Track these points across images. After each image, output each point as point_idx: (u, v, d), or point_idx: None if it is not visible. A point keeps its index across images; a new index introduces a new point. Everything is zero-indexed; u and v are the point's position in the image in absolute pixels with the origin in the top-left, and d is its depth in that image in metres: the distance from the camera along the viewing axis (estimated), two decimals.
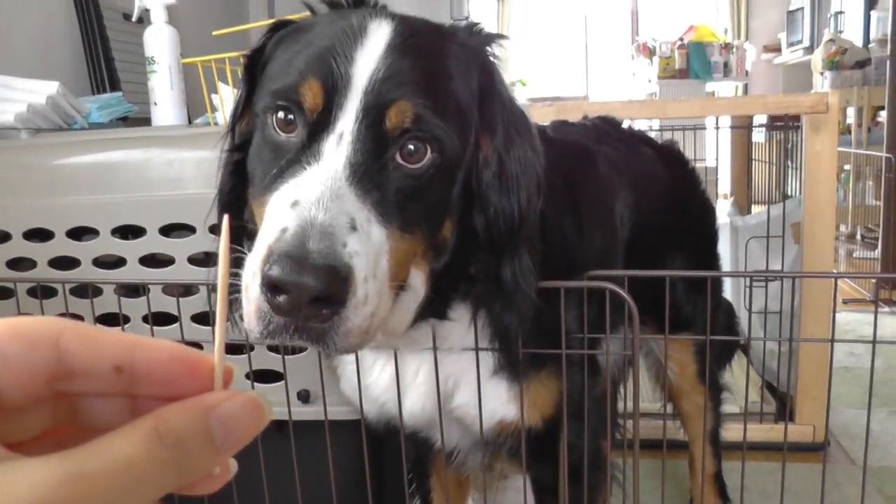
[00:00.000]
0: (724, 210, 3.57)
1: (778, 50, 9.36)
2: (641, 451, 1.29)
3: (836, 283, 1.21)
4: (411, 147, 0.95)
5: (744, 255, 3.07)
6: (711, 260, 1.98)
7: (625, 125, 1.93)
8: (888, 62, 4.69)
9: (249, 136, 1.07)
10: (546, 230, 1.25)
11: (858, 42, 7.24)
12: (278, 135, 0.99)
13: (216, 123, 1.84)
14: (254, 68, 1.11)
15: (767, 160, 3.75)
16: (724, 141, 3.70)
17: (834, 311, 1.35)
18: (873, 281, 4.44)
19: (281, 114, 0.98)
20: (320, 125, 0.95)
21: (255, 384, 1.55)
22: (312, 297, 0.82)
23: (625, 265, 1.58)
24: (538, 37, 10.63)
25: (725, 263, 2.82)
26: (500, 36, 1.14)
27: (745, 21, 9.66)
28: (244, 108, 1.11)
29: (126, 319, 1.63)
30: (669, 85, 8.50)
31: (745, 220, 3.31)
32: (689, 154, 2.12)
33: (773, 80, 9.45)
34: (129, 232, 1.69)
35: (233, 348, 1.47)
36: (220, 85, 1.82)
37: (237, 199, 1.11)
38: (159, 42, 2.09)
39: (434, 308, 1.12)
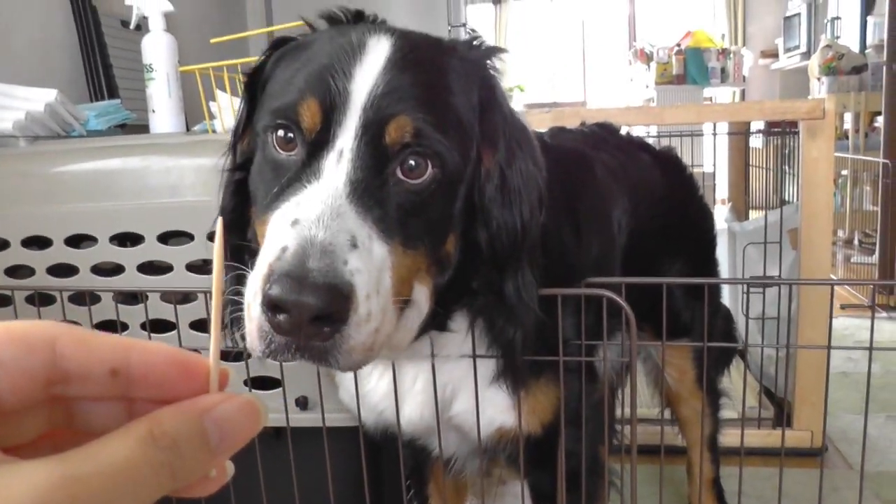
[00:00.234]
0: (721, 216, 3.58)
1: (775, 55, 9.38)
2: (639, 457, 1.29)
3: (832, 290, 1.21)
4: (412, 162, 0.95)
5: (741, 261, 3.08)
6: (710, 266, 1.98)
7: (623, 131, 1.93)
8: (885, 68, 4.70)
9: (251, 155, 1.07)
10: (544, 237, 1.26)
11: (855, 48, 7.26)
12: (279, 153, 0.99)
13: (214, 131, 1.84)
14: (254, 87, 1.11)
15: (764, 166, 3.76)
16: (722, 146, 3.71)
17: (831, 317, 1.35)
18: (871, 286, 4.45)
19: (281, 132, 0.98)
20: (320, 143, 0.95)
21: (254, 390, 1.55)
22: (313, 315, 0.82)
23: (623, 271, 1.58)
24: (536, 42, 10.65)
25: (723, 269, 2.83)
26: (500, 49, 1.14)
27: (742, 26, 9.68)
28: (245, 127, 1.11)
29: (124, 327, 1.63)
30: (667, 90, 8.50)
31: (742, 226, 3.31)
32: (686, 160, 2.12)
33: (770, 86, 9.47)
34: (128, 239, 1.69)
35: (231, 355, 1.47)
36: (219, 93, 1.82)
37: (240, 218, 1.11)
38: (157, 49, 2.09)
39: (436, 321, 1.12)
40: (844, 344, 3.45)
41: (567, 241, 1.38)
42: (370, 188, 0.92)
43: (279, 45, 1.12)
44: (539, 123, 2.45)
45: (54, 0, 2.87)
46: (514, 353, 1.16)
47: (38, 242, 1.73)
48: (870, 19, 7.11)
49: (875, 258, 4.85)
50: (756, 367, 3.07)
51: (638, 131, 2.63)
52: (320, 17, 1.13)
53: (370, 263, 0.88)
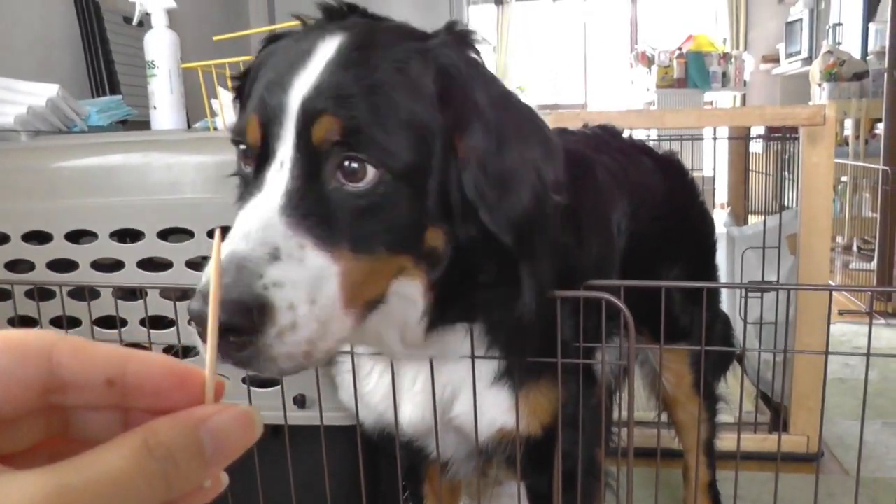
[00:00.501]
0: (720, 220, 3.58)
1: (776, 60, 9.40)
2: (636, 460, 1.29)
3: (830, 296, 1.21)
4: (354, 165, 0.93)
5: (740, 266, 3.08)
6: (709, 271, 1.98)
7: (625, 134, 1.94)
8: (886, 74, 4.71)
9: None
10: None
11: (857, 54, 7.27)
12: (244, 168, 1.02)
13: (216, 128, 1.84)
14: (242, 92, 1.13)
15: (764, 171, 3.76)
16: (722, 151, 3.71)
17: (829, 324, 1.36)
18: (869, 293, 4.45)
19: (242, 147, 1.01)
20: (265, 156, 0.96)
21: (252, 388, 1.55)
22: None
23: (622, 274, 1.58)
24: (537, 44, 10.66)
25: (722, 273, 2.83)
26: (471, 32, 1.10)
27: (743, 31, 9.70)
28: None
29: (123, 322, 1.63)
30: (667, 94, 8.51)
31: (741, 231, 3.32)
32: (686, 163, 2.12)
33: (771, 91, 9.48)
34: (128, 235, 1.70)
35: None
36: (220, 90, 1.83)
37: None
38: (160, 46, 2.10)
39: (460, 313, 1.12)
40: (842, 350, 3.45)
41: (566, 244, 1.38)
42: (307, 196, 0.92)
43: (269, 43, 1.13)
44: None
45: None
46: (518, 349, 1.15)
47: (38, 237, 1.73)
48: (871, 26, 7.12)
49: (874, 265, 4.86)
50: (753, 371, 3.08)
51: (638, 134, 2.63)
52: (318, 6, 1.13)
53: (299, 274, 0.88)
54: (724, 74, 8.71)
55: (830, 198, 2.53)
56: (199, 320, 0.84)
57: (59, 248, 1.70)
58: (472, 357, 1.19)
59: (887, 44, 4.71)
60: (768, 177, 3.66)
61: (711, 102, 9.23)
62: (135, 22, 2.22)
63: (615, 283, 1.29)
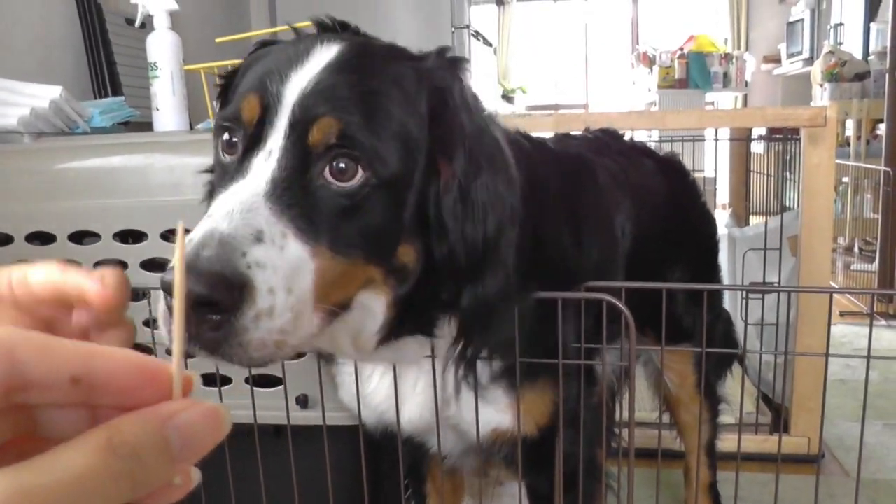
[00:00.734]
0: (721, 221, 3.58)
1: (778, 61, 9.40)
2: (637, 460, 1.30)
3: (831, 298, 1.22)
4: (342, 164, 0.94)
5: (741, 267, 3.09)
6: (711, 272, 1.99)
7: (626, 136, 1.95)
8: (887, 75, 4.71)
9: None
10: (544, 242, 1.27)
11: (858, 54, 7.26)
12: (224, 157, 1.01)
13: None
14: (226, 91, 1.14)
15: (766, 172, 3.77)
16: (723, 152, 3.72)
17: (829, 325, 1.36)
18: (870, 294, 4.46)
19: (226, 135, 1.00)
20: (253, 142, 0.96)
21: (255, 388, 1.56)
22: (194, 301, 0.81)
23: (627, 276, 1.59)
24: (538, 44, 10.66)
25: (723, 274, 2.83)
26: (464, 60, 1.13)
27: (745, 31, 9.70)
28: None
29: None
30: (669, 94, 8.52)
31: (742, 232, 3.32)
32: (687, 164, 2.13)
33: (772, 91, 9.48)
34: (131, 236, 1.70)
35: None
36: None
37: None
38: (162, 48, 2.10)
39: (418, 326, 1.13)
40: (843, 351, 3.46)
41: (567, 247, 1.39)
42: (293, 187, 0.92)
43: (259, 49, 1.14)
44: (541, 127, 2.46)
45: None
46: (472, 366, 1.18)
47: (41, 238, 1.73)
48: (873, 26, 7.11)
49: (875, 266, 4.86)
50: (754, 372, 3.08)
51: (640, 136, 2.64)
52: (312, 22, 1.15)
53: (280, 260, 0.88)
54: (726, 75, 8.72)
55: (831, 199, 2.54)
56: (169, 289, 0.81)
57: (63, 249, 1.71)
58: (433, 357, 1.20)
59: (889, 44, 4.72)
60: (769, 178, 3.66)
61: (713, 103, 9.24)
62: (137, 24, 2.22)
63: (616, 284, 1.30)
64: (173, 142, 1.85)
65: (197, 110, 2.25)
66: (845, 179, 5.72)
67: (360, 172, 0.95)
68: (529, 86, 10.52)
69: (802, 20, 8.68)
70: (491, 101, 6.78)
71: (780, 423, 2.71)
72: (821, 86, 7.05)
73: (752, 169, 3.83)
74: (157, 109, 2.14)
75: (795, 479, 2.34)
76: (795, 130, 2.72)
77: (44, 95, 2.03)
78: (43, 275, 0.54)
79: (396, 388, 1.26)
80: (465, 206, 1.03)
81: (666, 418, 2.03)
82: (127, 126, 2.39)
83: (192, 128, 2.20)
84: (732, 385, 2.61)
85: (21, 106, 1.98)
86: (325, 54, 1.00)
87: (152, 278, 1.68)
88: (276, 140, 0.95)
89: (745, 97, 9.32)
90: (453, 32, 4.24)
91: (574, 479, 1.36)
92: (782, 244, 2.82)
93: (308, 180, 0.94)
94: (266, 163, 0.94)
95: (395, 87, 1.01)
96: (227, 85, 1.15)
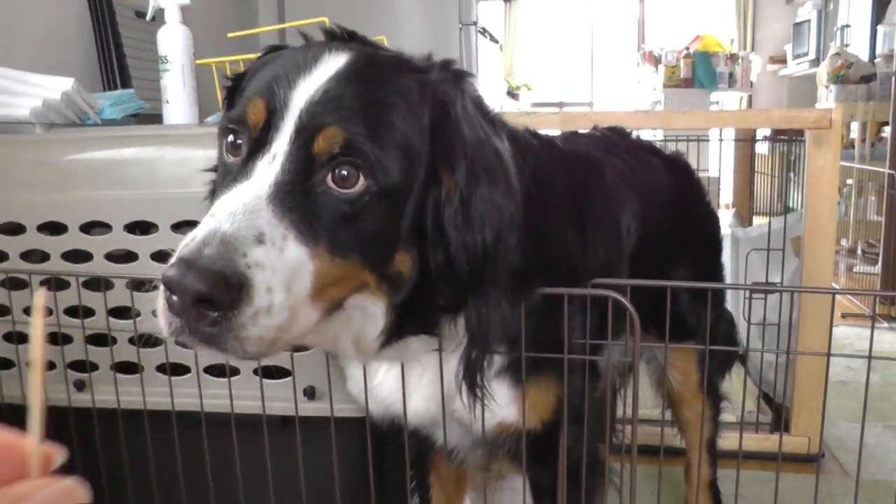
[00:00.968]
0: (725, 221, 3.60)
1: (783, 61, 9.40)
2: (639, 457, 1.32)
3: (833, 299, 1.24)
4: (343, 172, 0.97)
5: (744, 267, 3.11)
6: (715, 271, 2.01)
7: (634, 135, 1.96)
8: (893, 78, 4.72)
9: None
10: (550, 240, 1.29)
11: (864, 56, 7.26)
12: (228, 158, 1.04)
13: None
14: (233, 93, 1.16)
15: (770, 173, 3.78)
16: (727, 152, 3.73)
17: (831, 326, 1.38)
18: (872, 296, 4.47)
19: (231, 137, 1.03)
20: (258, 146, 0.99)
21: (263, 380, 1.58)
22: (194, 297, 0.85)
23: (631, 274, 1.61)
24: (544, 41, 10.67)
25: (726, 274, 2.85)
26: (468, 74, 1.16)
27: (751, 32, 9.70)
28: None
29: (137, 313, 1.66)
30: (674, 94, 8.52)
31: (746, 232, 3.34)
32: (692, 164, 2.15)
33: (777, 92, 9.48)
34: (141, 227, 1.72)
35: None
36: None
37: None
38: (173, 41, 2.12)
39: (420, 327, 1.16)
40: (844, 353, 3.47)
41: (572, 245, 1.40)
42: (295, 191, 0.95)
43: (268, 53, 1.17)
44: (548, 125, 2.48)
45: None
46: (474, 375, 1.20)
47: (53, 228, 1.75)
48: (880, 28, 7.11)
49: (878, 268, 4.87)
50: (756, 372, 3.10)
51: (644, 135, 2.66)
52: (321, 30, 1.17)
53: (279, 261, 0.91)
54: (731, 75, 8.72)
55: (835, 201, 2.55)
56: (177, 288, 0.85)
57: (74, 239, 1.73)
58: (440, 352, 1.22)
59: (895, 46, 4.72)
60: (773, 178, 3.68)
61: (718, 103, 9.24)
62: (149, 17, 2.24)
63: (621, 281, 1.32)
64: (184, 135, 1.87)
65: (205, 103, 2.26)
66: (849, 181, 5.73)
67: (362, 180, 0.98)
68: (534, 83, 10.52)
69: (809, 21, 8.68)
70: (496, 99, 6.79)
71: (780, 422, 2.73)
72: (826, 87, 7.05)
73: (756, 170, 3.85)
74: (168, 102, 2.16)
75: (795, 478, 2.36)
76: (800, 132, 2.73)
77: (56, 87, 2.05)
78: None
79: (404, 382, 1.28)
80: (466, 215, 1.05)
81: (667, 415, 2.05)
82: (136, 118, 2.41)
83: (201, 120, 2.22)
84: (734, 384, 2.63)
85: (33, 97, 2.00)
86: (334, 63, 1.03)
87: (159, 269, 1.70)
88: (280, 145, 0.97)
89: (751, 97, 9.32)
90: (461, 29, 4.26)
91: (577, 474, 1.38)
92: (786, 245, 2.83)
93: (310, 185, 0.97)
94: (270, 166, 0.96)
95: (400, 98, 1.03)
96: (235, 87, 1.17)
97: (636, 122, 2.54)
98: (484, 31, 4.90)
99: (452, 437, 1.41)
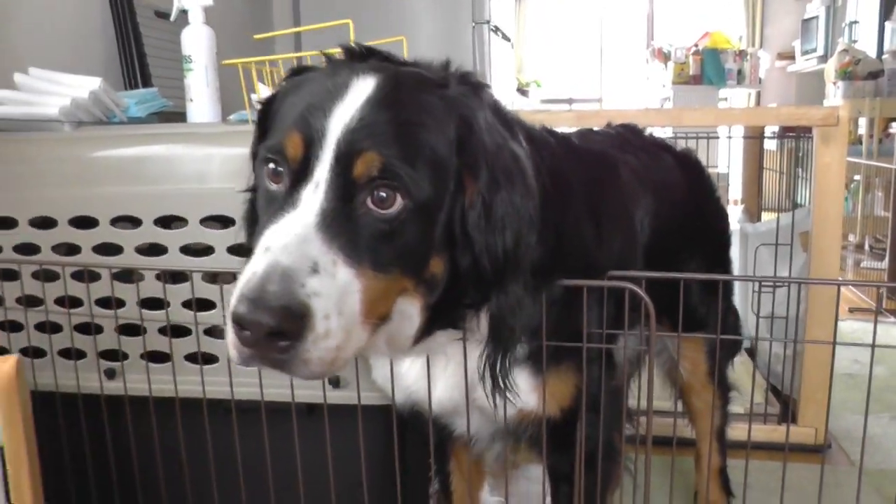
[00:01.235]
0: (734, 216, 3.64)
1: (792, 58, 9.40)
2: (652, 448, 1.37)
3: (839, 290, 1.29)
4: (382, 194, 1.03)
5: (753, 262, 3.16)
6: (724, 265, 2.07)
7: (646, 132, 2.01)
8: None
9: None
10: (568, 235, 1.35)
11: (872, 53, 7.27)
12: (270, 185, 1.10)
13: (254, 121, 1.93)
14: (265, 116, 1.22)
15: (778, 169, 3.82)
16: (736, 148, 3.78)
17: (836, 317, 1.43)
18: (881, 291, 4.51)
19: (271, 166, 1.09)
20: (300, 175, 1.05)
21: None
22: (266, 332, 0.94)
23: (645, 267, 1.66)
24: (554, 38, 10.69)
25: (735, 269, 2.90)
26: (484, 85, 1.22)
27: (759, 28, 9.70)
28: (256, 153, 1.21)
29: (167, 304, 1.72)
30: (683, 90, 8.54)
31: (755, 227, 3.39)
32: (701, 161, 2.20)
33: (786, 88, 9.49)
34: (170, 222, 1.78)
35: None
36: (260, 85, 1.91)
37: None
38: (197, 42, 2.17)
39: (448, 322, 1.22)
40: (850, 347, 3.51)
41: (588, 240, 1.46)
42: (340, 217, 1.02)
43: (294, 75, 1.23)
44: (562, 123, 2.53)
45: None
46: (496, 370, 1.25)
47: (83, 222, 1.81)
48: (888, 25, 7.11)
49: (885, 263, 4.91)
50: (764, 365, 3.15)
51: (655, 132, 2.70)
52: (340, 47, 1.24)
53: (332, 287, 0.98)
54: (740, 71, 8.73)
55: (842, 197, 2.60)
56: (249, 325, 0.94)
57: (105, 233, 1.79)
58: (464, 342, 1.28)
59: None
60: (782, 175, 3.72)
61: (727, 99, 9.26)
62: (172, 18, 2.30)
63: (637, 274, 1.37)
64: (208, 132, 1.93)
65: (227, 101, 2.32)
66: (857, 177, 5.75)
67: (399, 200, 1.04)
68: (544, 79, 10.54)
69: (817, 17, 8.68)
70: (507, 96, 6.83)
71: (788, 413, 2.78)
72: (834, 84, 7.07)
73: (764, 166, 3.89)
74: (192, 101, 2.21)
75: (803, 467, 2.41)
76: (808, 129, 2.78)
77: (84, 86, 2.11)
78: None
79: (429, 371, 1.34)
80: (489, 219, 1.12)
81: (679, 407, 2.10)
82: (158, 116, 2.46)
83: (224, 119, 2.28)
84: (744, 377, 2.69)
85: (62, 96, 2.05)
86: (362, 88, 1.09)
87: (189, 261, 1.76)
88: (322, 172, 1.03)
89: (759, 94, 9.33)
90: (473, 27, 4.31)
91: (593, 460, 1.44)
92: (793, 240, 2.88)
93: (352, 209, 1.03)
94: (314, 194, 1.03)
95: (427, 117, 1.10)
96: (265, 112, 1.23)
97: (647, 119, 2.59)
98: (496, 30, 4.93)
99: (472, 424, 1.46)
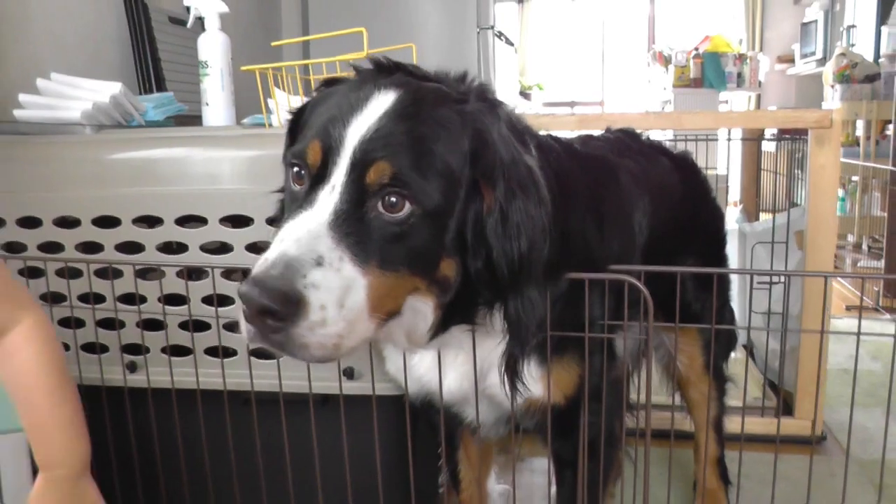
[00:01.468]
0: (733, 217, 3.72)
1: (791, 61, 9.48)
2: (651, 440, 1.45)
3: (826, 281, 1.37)
4: (392, 199, 1.12)
5: (750, 259, 3.25)
6: (719, 262, 2.15)
7: (644, 136, 2.09)
8: None
9: None
10: (572, 235, 1.43)
11: (869, 56, 7.35)
12: (294, 186, 1.21)
13: (271, 125, 2.01)
14: (295, 124, 1.33)
15: (776, 170, 3.90)
16: (735, 151, 3.85)
17: (824, 307, 1.51)
18: (876, 289, 4.60)
19: (295, 169, 1.20)
20: (319, 178, 1.15)
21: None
22: (259, 309, 1.03)
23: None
24: (556, 41, 10.77)
25: (733, 266, 2.99)
26: (500, 102, 1.31)
27: (759, 32, 9.77)
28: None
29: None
30: (684, 94, 8.61)
31: (752, 227, 3.47)
32: (701, 163, 2.28)
33: (785, 91, 9.57)
34: (192, 221, 1.86)
35: None
36: (276, 91, 1.99)
37: None
38: (213, 47, 2.25)
39: (463, 319, 1.31)
40: (846, 343, 3.58)
41: (591, 240, 1.55)
42: (351, 218, 1.11)
43: (324, 86, 1.33)
44: (564, 127, 2.62)
45: None
46: (515, 365, 1.34)
47: (105, 221, 1.89)
48: (884, 29, 7.19)
49: (882, 262, 4.99)
50: (761, 361, 3.24)
51: (655, 134, 2.78)
52: (369, 60, 1.33)
53: (334, 280, 1.07)
54: (740, 75, 8.82)
55: (836, 197, 2.68)
56: (247, 302, 1.04)
57: (128, 232, 1.87)
58: (473, 333, 1.37)
59: None
60: (779, 176, 3.79)
61: (727, 102, 9.33)
62: (189, 25, 2.37)
63: (636, 267, 1.45)
64: (224, 136, 2.01)
65: (242, 106, 2.39)
66: (854, 178, 5.83)
67: (408, 205, 1.13)
68: (546, 82, 10.62)
69: (816, 21, 8.76)
70: (511, 99, 6.91)
71: (784, 406, 2.87)
72: (832, 86, 7.15)
73: (763, 167, 3.97)
74: (207, 105, 2.29)
75: (799, 458, 2.48)
76: (805, 131, 2.86)
77: (105, 91, 2.19)
78: None
79: (440, 361, 1.42)
80: (505, 226, 1.20)
81: (677, 400, 2.18)
82: (174, 119, 2.54)
83: (238, 122, 2.35)
84: (739, 372, 2.76)
85: (84, 100, 2.13)
86: (383, 101, 1.18)
87: (207, 259, 1.84)
88: (338, 177, 1.13)
89: (759, 97, 9.41)
90: (478, 33, 4.38)
91: (595, 447, 1.52)
92: (789, 238, 2.97)
93: (363, 212, 1.13)
94: (330, 196, 1.12)
95: (442, 130, 1.18)
96: (296, 121, 1.34)
97: (648, 122, 2.68)
98: (500, 35, 5.01)
99: (481, 413, 1.54)
